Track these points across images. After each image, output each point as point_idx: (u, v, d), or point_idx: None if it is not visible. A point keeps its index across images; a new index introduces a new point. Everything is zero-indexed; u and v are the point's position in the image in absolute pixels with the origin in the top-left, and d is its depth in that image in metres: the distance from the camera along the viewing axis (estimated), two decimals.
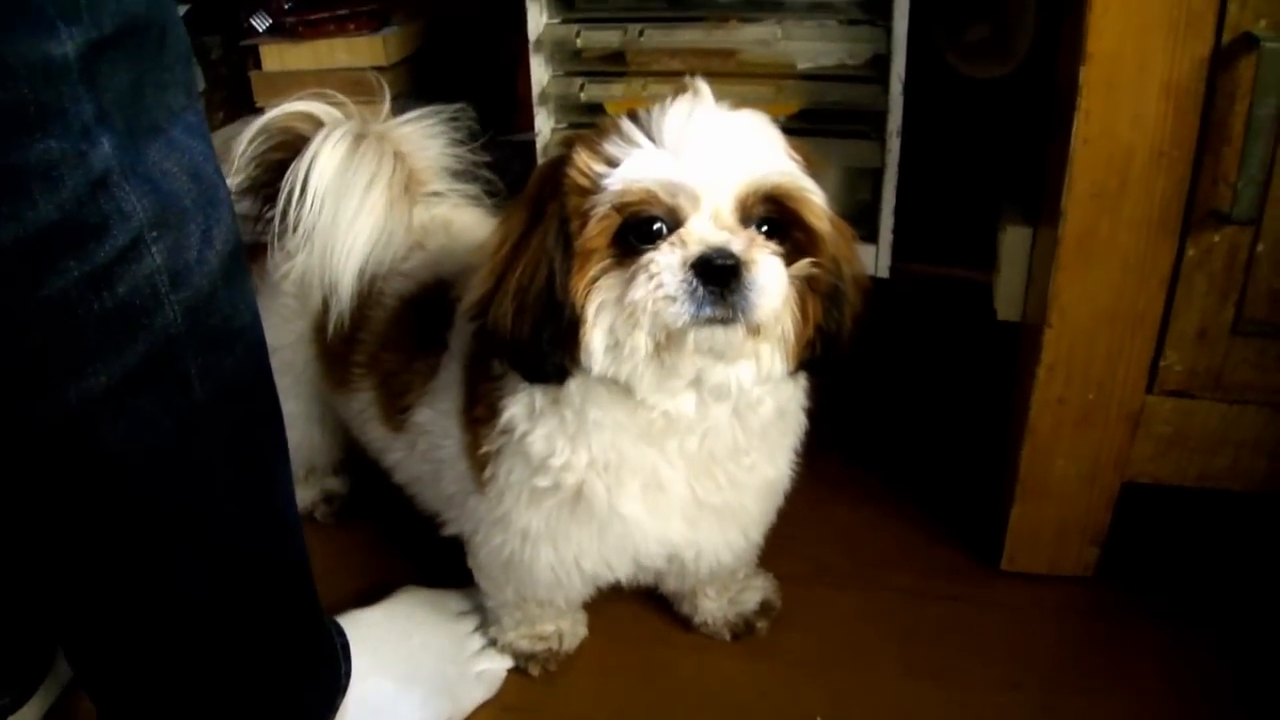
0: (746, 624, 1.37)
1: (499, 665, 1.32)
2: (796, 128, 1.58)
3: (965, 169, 1.71)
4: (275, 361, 1.03)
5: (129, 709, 1.04)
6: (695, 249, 0.92)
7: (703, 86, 0.98)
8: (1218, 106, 1.17)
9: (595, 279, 0.95)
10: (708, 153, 0.94)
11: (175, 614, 0.97)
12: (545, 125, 1.65)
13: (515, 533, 1.11)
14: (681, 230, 0.94)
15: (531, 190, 1.01)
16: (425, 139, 1.32)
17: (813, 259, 0.98)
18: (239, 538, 0.98)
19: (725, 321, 0.94)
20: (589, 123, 1.57)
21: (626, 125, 0.95)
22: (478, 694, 1.30)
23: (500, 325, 0.99)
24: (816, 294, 1.00)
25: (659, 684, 1.33)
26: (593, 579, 1.18)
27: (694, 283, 0.92)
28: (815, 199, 0.97)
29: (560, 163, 0.98)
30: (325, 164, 1.21)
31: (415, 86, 2.09)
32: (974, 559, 1.51)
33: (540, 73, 1.62)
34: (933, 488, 1.63)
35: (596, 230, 0.94)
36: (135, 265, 0.82)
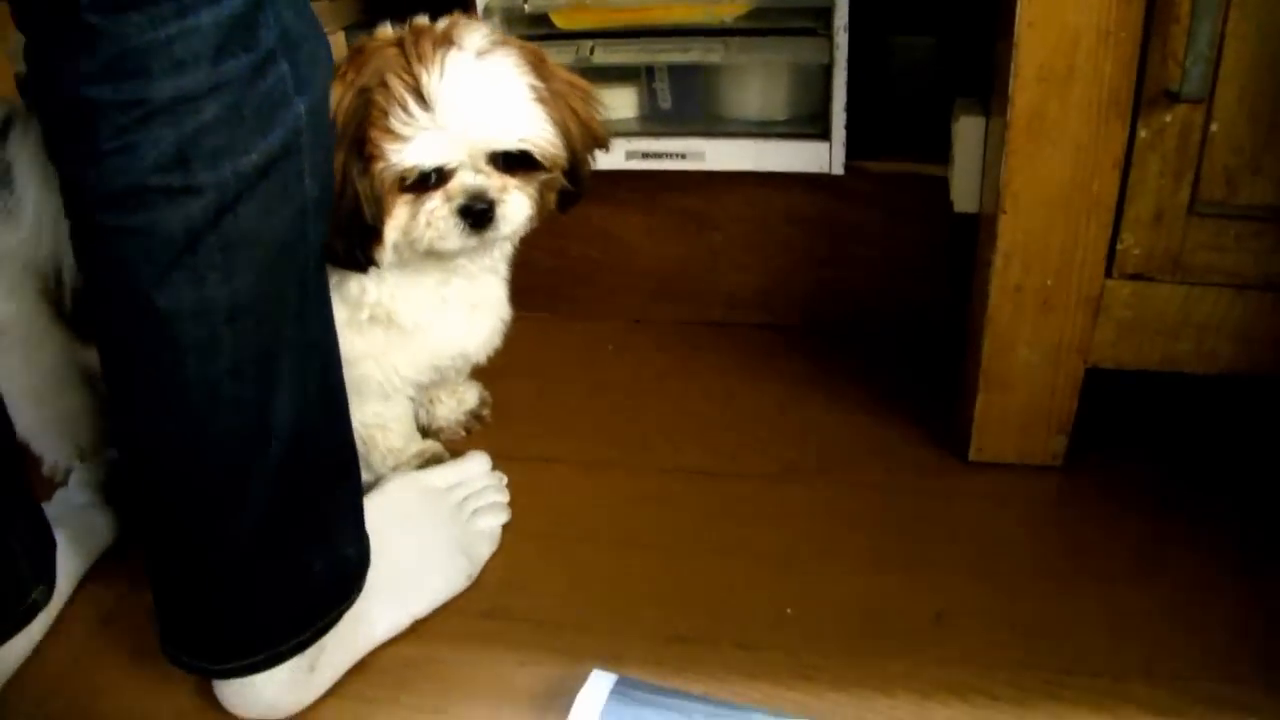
0: (475, 417, 1.63)
1: (495, 521, 1.42)
2: (745, 27, 1.58)
3: (918, 64, 1.70)
4: (4, 340, 1.22)
5: (181, 562, 1.12)
6: (459, 199, 1.21)
7: (473, 36, 1.21)
8: None
9: (389, 214, 1.21)
10: (462, 125, 1.18)
11: (257, 444, 1.06)
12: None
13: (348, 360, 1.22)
14: (450, 182, 1.21)
15: (339, 136, 1.17)
16: None
17: (548, 174, 1.26)
18: (320, 356, 1.12)
19: (480, 245, 1.26)
20: (537, 35, 1.58)
21: (408, 103, 1.17)
22: (485, 549, 1.38)
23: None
24: (552, 190, 1.29)
25: (627, 585, 1.34)
26: (410, 382, 1.40)
27: (459, 222, 1.22)
28: (546, 144, 1.23)
29: (361, 122, 1.18)
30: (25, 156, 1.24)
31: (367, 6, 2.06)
32: (943, 453, 1.51)
33: None
34: (899, 385, 1.64)
35: (390, 185, 1.19)
36: (274, 66, 0.96)
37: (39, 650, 1.28)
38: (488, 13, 1.59)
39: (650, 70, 1.64)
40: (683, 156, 1.63)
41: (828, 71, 1.52)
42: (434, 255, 1.26)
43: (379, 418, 1.41)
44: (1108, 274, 1.32)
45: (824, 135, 1.57)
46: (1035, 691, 1.18)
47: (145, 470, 1.08)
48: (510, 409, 1.64)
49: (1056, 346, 1.38)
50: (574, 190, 1.32)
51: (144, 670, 1.26)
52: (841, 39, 1.48)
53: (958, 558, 1.35)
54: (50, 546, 1.29)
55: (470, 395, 1.64)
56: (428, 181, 1.21)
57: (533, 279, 1.51)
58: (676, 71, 1.66)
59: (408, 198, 1.22)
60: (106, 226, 0.95)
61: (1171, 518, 1.38)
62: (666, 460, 1.54)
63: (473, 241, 1.24)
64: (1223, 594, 1.28)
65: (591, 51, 1.55)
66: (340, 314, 1.19)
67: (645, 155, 1.50)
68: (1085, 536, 1.38)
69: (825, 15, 1.51)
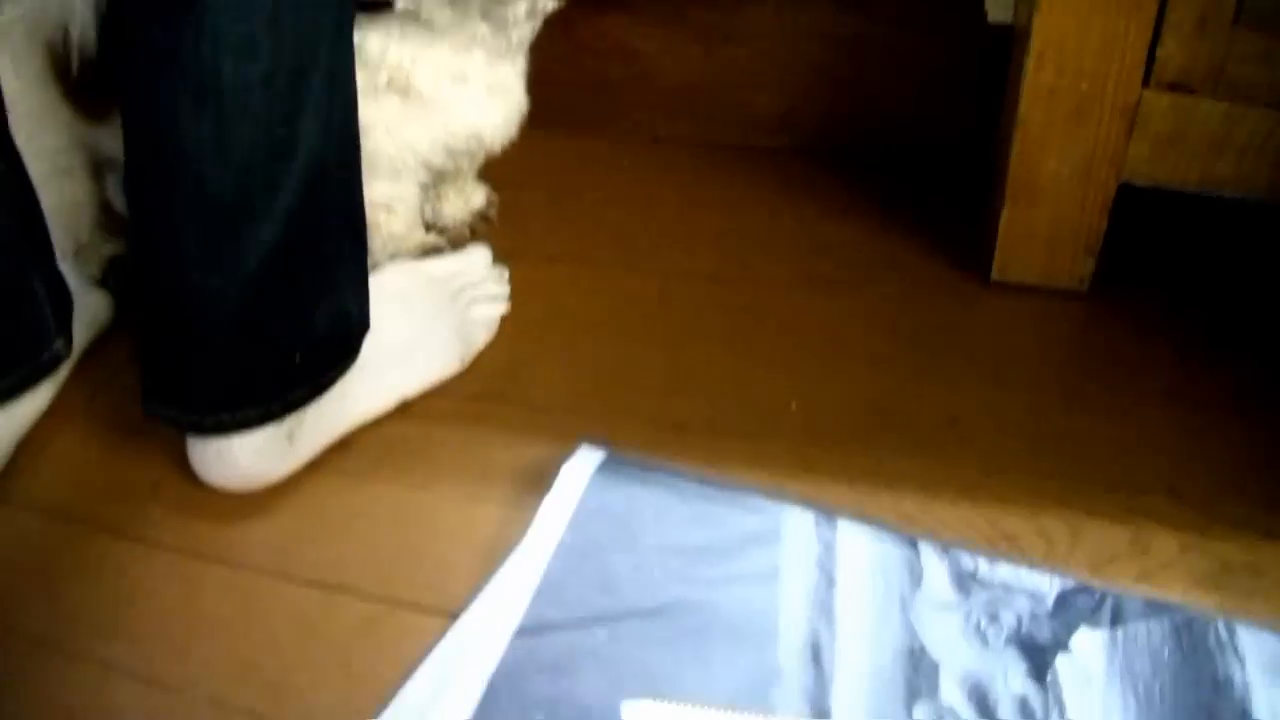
0: (482, 217, 1.56)
1: (492, 311, 1.39)
2: None
3: None
4: (12, 116, 1.14)
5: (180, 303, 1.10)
6: None
7: None
8: None
9: None
10: None
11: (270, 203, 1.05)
12: None
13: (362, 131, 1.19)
14: None
15: None
16: None
17: None
18: (344, 92, 1.10)
19: None
20: None
21: None
22: (482, 334, 1.36)
23: None
24: None
25: (626, 374, 1.32)
26: (421, 160, 1.36)
27: None
28: None
29: None
30: None
31: None
32: (965, 273, 1.46)
33: None
34: (924, 206, 1.58)
35: None
36: None
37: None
38: None
39: None
40: None
41: None
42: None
43: (385, 197, 1.36)
44: (1145, 83, 1.25)
45: None
46: (1049, 498, 1.14)
47: (159, 181, 1.06)
48: (519, 214, 1.58)
49: (1088, 159, 1.31)
50: None
51: (124, 446, 1.24)
52: None
53: (975, 369, 1.30)
54: (69, 303, 1.26)
55: (477, 195, 1.58)
56: None
57: (549, 94, 1.45)
58: None
59: None
60: None
61: (1199, 345, 1.33)
62: (677, 265, 1.49)
63: None
64: (1249, 421, 1.23)
65: None
66: (358, 79, 1.14)
67: None
68: (1109, 359, 1.33)
69: None
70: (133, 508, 1.18)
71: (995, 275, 1.42)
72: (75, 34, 1.23)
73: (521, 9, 1.27)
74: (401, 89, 1.29)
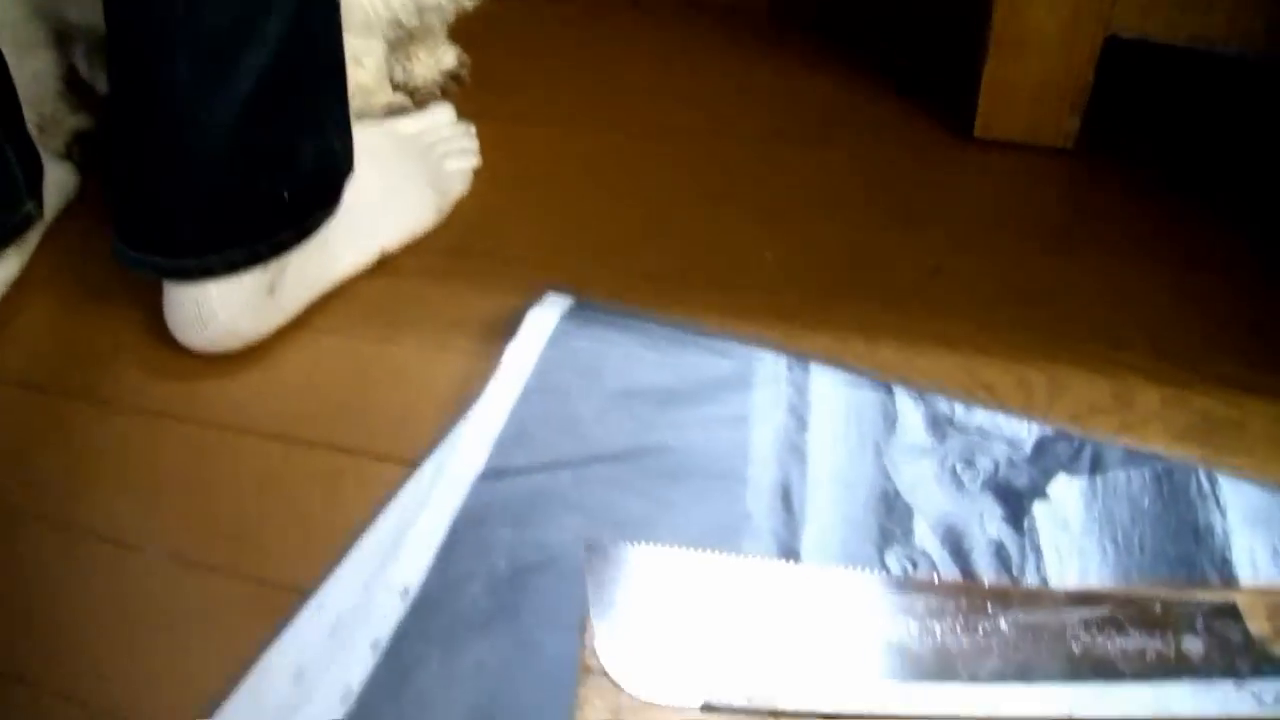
0: (453, 78, 1.52)
1: (466, 164, 1.37)
2: None
3: None
4: None
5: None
6: None
7: None
8: None
9: None
10: None
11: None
12: None
13: None
14: None
15: None
16: None
17: None
18: None
19: None
20: None
21: None
22: (456, 186, 1.35)
23: None
24: None
25: (600, 228, 1.30)
26: (394, 13, 1.34)
27: None
28: None
29: None
30: None
31: None
32: (947, 129, 1.42)
33: None
34: (910, 65, 1.54)
35: None
36: None
37: None
38: None
39: None
40: None
41: None
42: None
43: (355, 50, 1.31)
44: None
45: None
46: (1029, 349, 1.11)
47: (150, 11, 1.02)
48: (492, 76, 1.55)
49: (1075, 9, 1.28)
50: None
51: (89, 312, 1.23)
52: None
53: (958, 223, 1.28)
54: (40, 167, 1.24)
55: (448, 56, 1.55)
56: None
57: None
58: None
59: None
60: None
61: (1186, 204, 1.29)
62: (653, 122, 1.46)
63: None
64: (1235, 279, 1.20)
65: None
66: None
67: None
68: (1094, 215, 1.30)
69: None
70: (98, 372, 1.16)
71: (979, 131, 1.39)
72: None
73: None
74: None
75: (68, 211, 1.34)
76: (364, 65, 1.37)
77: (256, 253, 1.11)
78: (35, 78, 1.35)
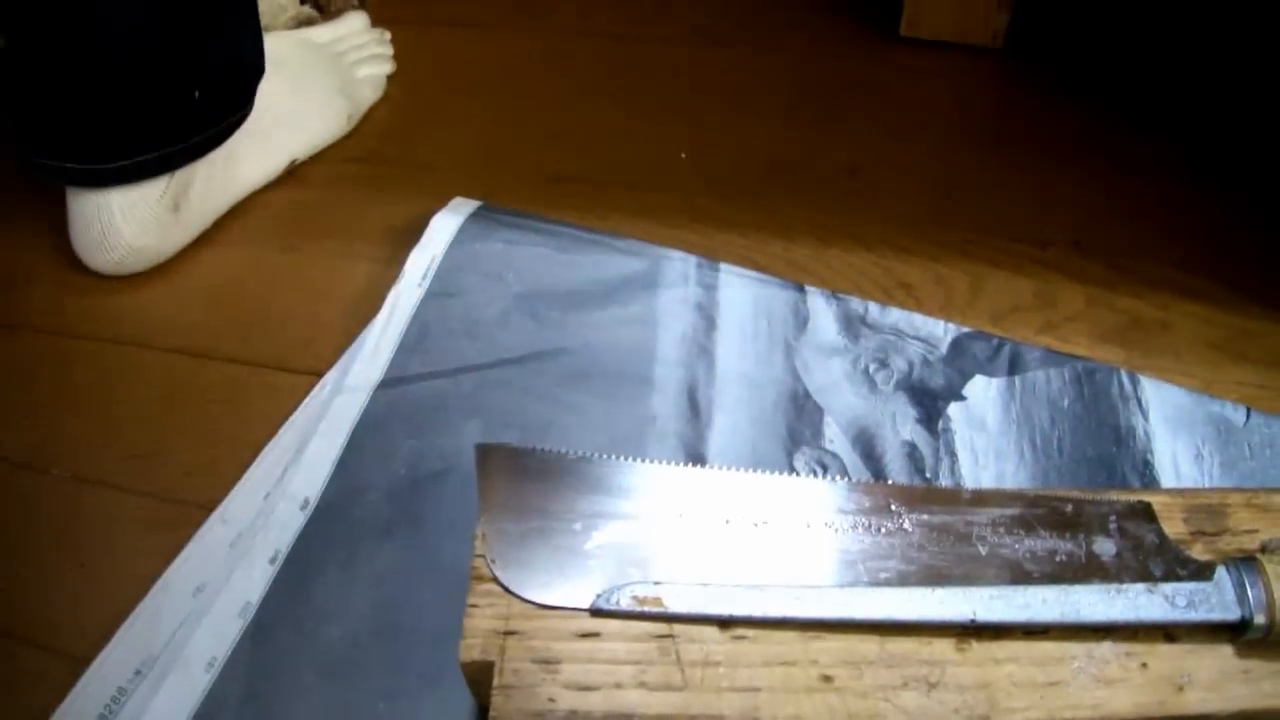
0: None
1: (379, 70, 1.36)
2: None
3: None
4: None
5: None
6: None
7: None
8: None
9: None
10: None
11: None
12: None
13: None
14: None
15: None
16: None
17: None
18: None
19: None
20: None
21: None
22: (368, 93, 1.33)
23: None
24: None
25: (513, 132, 1.28)
26: None
27: None
28: None
29: None
30: None
31: None
32: (872, 28, 1.40)
33: None
34: None
35: None
36: None
37: None
38: None
39: None
40: None
41: None
42: None
43: None
44: None
45: None
46: (950, 248, 1.09)
47: None
48: None
49: None
50: None
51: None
52: None
53: (881, 122, 1.25)
54: None
55: None
56: None
57: None
58: None
59: None
60: None
61: (1114, 105, 1.27)
62: (570, 23, 1.44)
63: None
64: (1162, 180, 1.17)
65: None
66: None
67: None
68: (1020, 114, 1.27)
69: None
70: (4, 295, 1.13)
71: (905, 30, 1.36)
72: None
73: None
74: None
75: None
76: None
77: (169, 157, 1.08)
78: None
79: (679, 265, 1.03)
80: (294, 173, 1.22)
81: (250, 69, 1.15)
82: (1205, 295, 1.04)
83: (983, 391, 0.93)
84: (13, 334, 1.09)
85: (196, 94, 1.08)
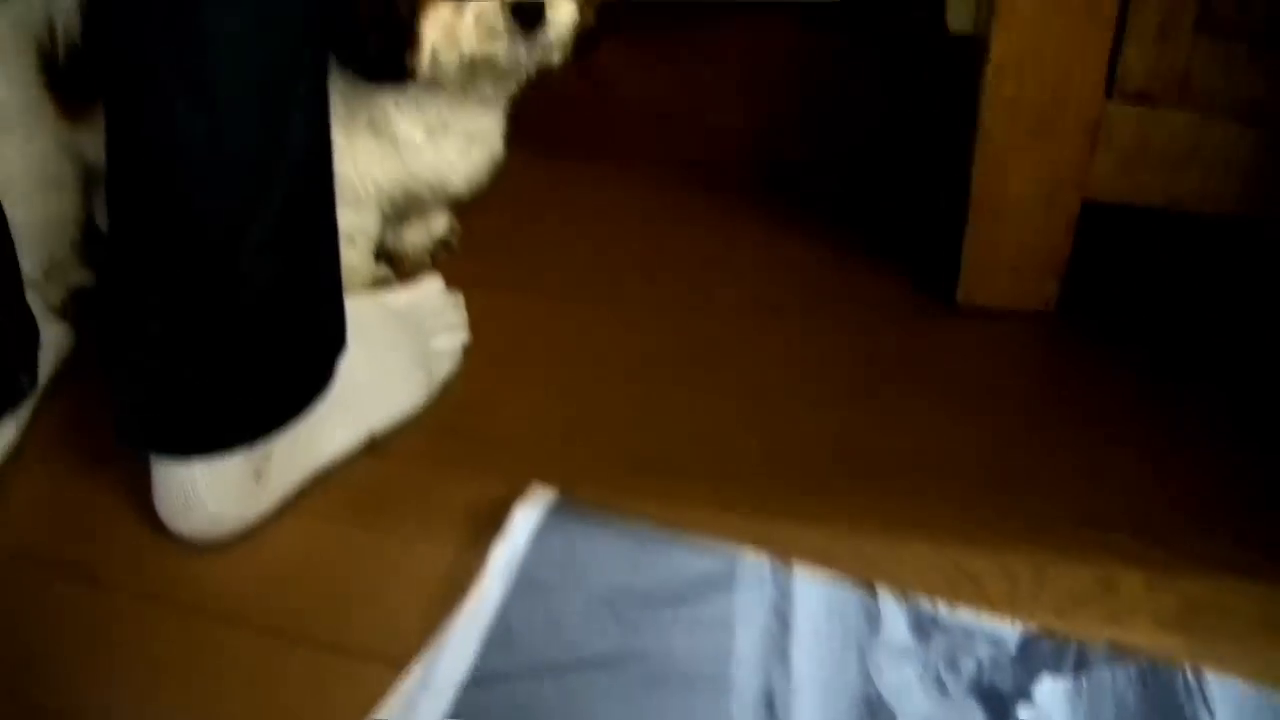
0: (443, 245, 1.54)
1: (454, 341, 1.36)
2: None
3: None
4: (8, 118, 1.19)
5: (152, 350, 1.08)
6: None
7: None
8: None
9: (430, 11, 1.17)
10: None
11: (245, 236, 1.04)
12: None
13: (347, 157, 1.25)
14: None
15: None
16: None
17: None
18: (322, 102, 1.09)
19: (527, 52, 1.19)
20: None
21: None
22: (445, 365, 1.33)
23: (347, 36, 1.17)
24: (592, 6, 1.23)
25: (587, 410, 1.30)
26: (383, 194, 1.36)
27: (509, 22, 1.16)
28: None
29: None
30: None
31: None
32: (929, 297, 1.43)
33: None
34: (886, 226, 1.55)
35: None
36: None
37: None
38: None
39: None
40: None
41: None
42: (475, 68, 1.22)
43: (349, 229, 1.32)
44: (1108, 94, 1.23)
45: None
46: (1015, 536, 1.11)
47: (147, 187, 1.04)
48: (480, 240, 1.56)
49: (1052, 177, 1.29)
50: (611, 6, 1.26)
51: (86, 485, 1.21)
52: None
53: (940, 400, 1.28)
54: (35, 338, 1.24)
55: (439, 223, 1.55)
56: None
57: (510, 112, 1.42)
58: None
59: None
60: None
61: (1166, 369, 1.31)
62: (639, 294, 1.47)
63: (521, 48, 1.19)
64: (1216, 451, 1.20)
65: None
66: (336, 110, 1.14)
67: None
68: (1075, 384, 1.30)
69: None
70: (94, 550, 1.15)
71: (961, 298, 1.40)
72: (60, 26, 1.22)
73: (524, 73, 1.28)
74: (378, 131, 1.30)
75: (64, 374, 1.33)
76: (355, 243, 1.38)
77: (252, 431, 1.11)
78: (57, 218, 1.36)
79: (753, 565, 1.06)
80: (373, 444, 1.24)
81: (333, 346, 1.18)
82: (1263, 574, 1.06)
83: (1050, 692, 0.95)
84: (95, 589, 1.11)
85: (282, 374, 1.12)
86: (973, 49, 1.37)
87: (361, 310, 1.26)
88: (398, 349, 1.30)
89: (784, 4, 1.55)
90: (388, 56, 1.19)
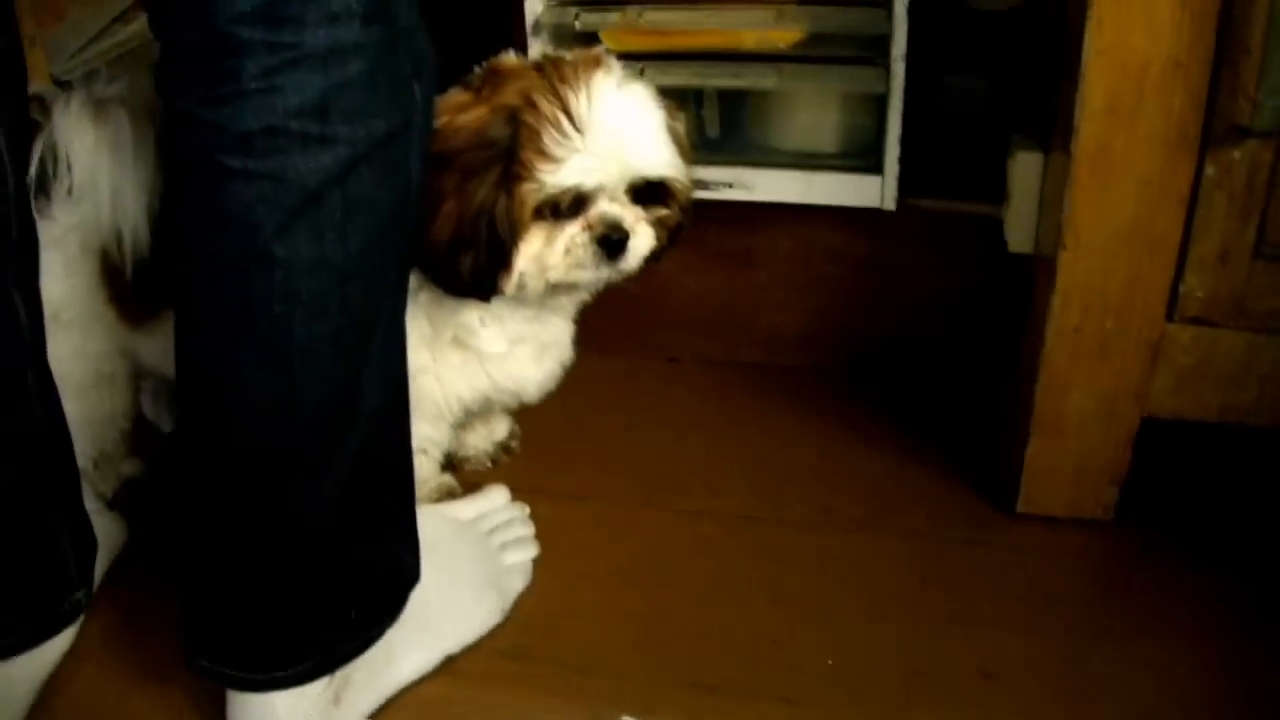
0: (504, 449, 1.59)
1: (524, 556, 1.37)
2: (799, 55, 1.54)
3: (968, 102, 1.65)
4: (57, 326, 1.20)
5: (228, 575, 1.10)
6: (600, 229, 1.21)
7: (612, 63, 1.23)
8: (1235, 13, 1.11)
9: (524, 237, 1.21)
10: (614, 149, 1.19)
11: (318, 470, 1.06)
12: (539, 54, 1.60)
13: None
14: (590, 211, 1.21)
15: (478, 155, 1.19)
16: None
17: (668, 209, 1.27)
18: (399, 344, 1.12)
19: (608, 277, 1.26)
20: None
21: (561, 122, 1.17)
22: (517, 583, 1.34)
23: (441, 257, 1.21)
24: (665, 227, 1.28)
25: (660, 630, 1.29)
26: (464, 406, 1.39)
27: (597, 251, 1.21)
28: (678, 177, 1.25)
29: (510, 142, 1.18)
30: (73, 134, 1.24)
31: None
32: (989, 503, 1.45)
33: (535, 2, 1.58)
34: (943, 432, 1.58)
35: (531, 206, 1.19)
36: (403, 44, 1.00)
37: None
38: (538, 29, 1.57)
39: (698, 95, 1.59)
40: (730, 186, 1.58)
41: (882, 102, 1.49)
42: (559, 289, 1.27)
43: (424, 441, 1.36)
44: (1169, 317, 1.27)
45: (876, 169, 1.52)
46: None
47: (221, 439, 1.05)
48: (540, 442, 1.59)
49: (1113, 394, 1.32)
50: (680, 227, 1.31)
51: (144, 691, 1.23)
52: (898, 68, 1.44)
53: (1005, 613, 1.29)
54: (93, 550, 1.26)
55: (501, 426, 1.59)
56: (564, 209, 1.21)
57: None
58: (725, 97, 1.62)
59: (543, 225, 1.21)
60: (231, 169, 0.94)
61: (1225, 577, 1.32)
62: (703, 502, 1.48)
63: (604, 272, 1.24)
64: (1269, 662, 1.21)
65: (641, 73, 1.48)
66: (422, 329, 1.22)
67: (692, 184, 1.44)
68: (1136, 595, 1.32)
69: (881, 44, 1.47)
70: None
71: (1021, 507, 1.42)
72: (128, 237, 1.24)
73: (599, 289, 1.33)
74: (463, 345, 1.33)
75: (115, 567, 1.35)
76: (428, 454, 1.40)
77: (323, 665, 1.12)
78: (109, 415, 1.39)
79: None
80: (447, 663, 1.24)
81: (407, 580, 1.20)
82: None
83: None
84: None
85: (352, 611, 1.14)
86: (1030, 266, 1.41)
87: (432, 527, 1.28)
88: (471, 567, 1.31)
89: (841, 209, 1.57)
90: (481, 275, 1.21)
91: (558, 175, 1.17)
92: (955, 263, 1.62)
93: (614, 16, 1.54)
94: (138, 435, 1.45)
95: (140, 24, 1.77)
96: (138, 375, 1.40)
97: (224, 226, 0.97)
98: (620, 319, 1.72)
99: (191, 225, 1.00)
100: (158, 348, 1.33)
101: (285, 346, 0.99)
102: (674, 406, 1.68)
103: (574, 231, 1.21)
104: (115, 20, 1.79)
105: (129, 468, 1.48)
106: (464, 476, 1.51)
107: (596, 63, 1.22)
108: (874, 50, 1.51)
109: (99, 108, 1.25)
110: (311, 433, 1.04)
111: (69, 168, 1.23)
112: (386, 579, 1.17)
